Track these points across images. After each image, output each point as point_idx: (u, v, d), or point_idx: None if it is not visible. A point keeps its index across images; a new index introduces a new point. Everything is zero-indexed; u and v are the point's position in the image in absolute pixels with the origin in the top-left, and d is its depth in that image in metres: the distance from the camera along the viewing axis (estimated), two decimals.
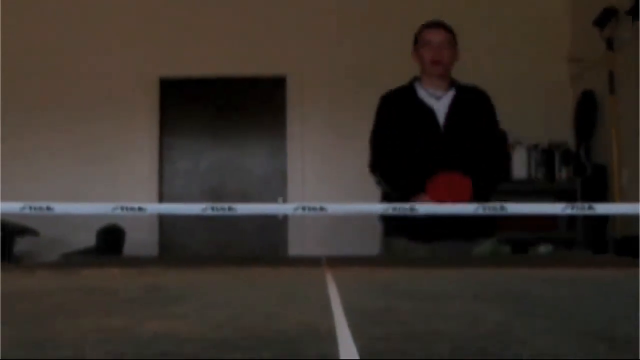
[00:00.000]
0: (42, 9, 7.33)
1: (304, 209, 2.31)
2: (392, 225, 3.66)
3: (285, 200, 7.08)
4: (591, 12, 6.24)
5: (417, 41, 3.74)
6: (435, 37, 3.67)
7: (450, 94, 3.69)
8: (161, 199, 7.19)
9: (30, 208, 2.19)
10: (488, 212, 2.38)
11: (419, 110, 3.63)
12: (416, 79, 3.76)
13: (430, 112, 3.62)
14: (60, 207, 2.25)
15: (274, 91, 7.30)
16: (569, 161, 6.73)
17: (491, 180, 3.61)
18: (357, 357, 0.87)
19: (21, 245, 6.45)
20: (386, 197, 3.64)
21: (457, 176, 3.43)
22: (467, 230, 3.52)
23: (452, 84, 3.74)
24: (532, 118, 7.00)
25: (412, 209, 2.39)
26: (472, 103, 3.72)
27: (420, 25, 3.79)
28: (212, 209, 2.26)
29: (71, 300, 1.61)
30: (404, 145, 3.59)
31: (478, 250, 3.63)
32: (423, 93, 3.69)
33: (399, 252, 3.63)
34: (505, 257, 3.95)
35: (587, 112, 6.59)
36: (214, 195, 7.17)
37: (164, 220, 7.15)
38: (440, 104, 3.65)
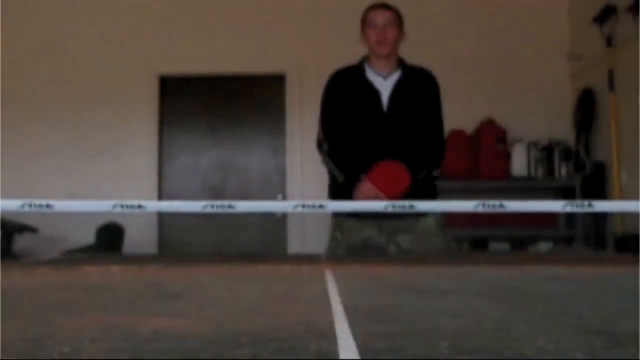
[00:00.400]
0: (42, 6, 7.33)
1: (303, 206, 2.31)
2: (334, 199, 3.74)
3: (284, 198, 7.08)
4: (591, 9, 6.24)
5: (363, 23, 3.79)
6: (380, 17, 3.71)
7: (396, 74, 3.74)
8: (161, 196, 7.19)
9: (30, 206, 2.19)
10: (487, 209, 2.38)
11: (364, 90, 3.70)
12: (365, 58, 3.81)
13: (375, 93, 3.69)
14: (60, 205, 2.25)
15: (274, 89, 7.30)
16: (569, 158, 6.73)
17: (424, 167, 3.66)
18: (357, 355, 0.86)
19: (20, 242, 6.46)
20: (332, 177, 3.77)
21: (397, 166, 3.52)
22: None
23: (400, 64, 3.79)
24: (532, 115, 7.00)
25: (411, 207, 2.39)
26: (418, 84, 3.76)
27: (366, 8, 3.82)
28: (212, 206, 2.26)
29: (70, 297, 1.61)
30: (349, 124, 3.68)
31: (424, 224, 3.71)
32: (370, 73, 3.74)
33: (350, 231, 3.74)
34: (504, 255, 4.01)
35: (586, 109, 6.59)
36: (214, 192, 7.17)
37: (163, 218, 7.15)
38: (385, 84, 3.71)
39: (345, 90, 3.74)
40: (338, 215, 3.79)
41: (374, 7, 3.76)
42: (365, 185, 3.51)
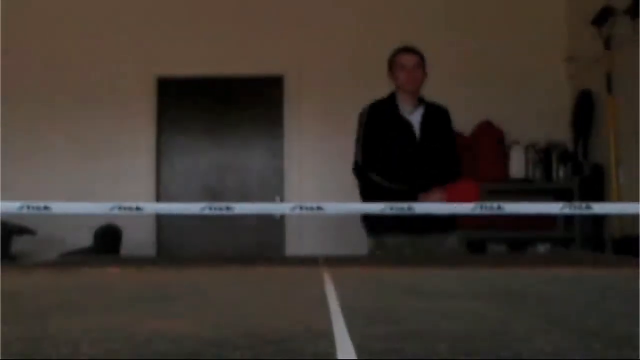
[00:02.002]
0: (41, 8, 7.32)
1: (301, 208, 2.31)
2: (379, 224, 4.15)
3: (282, 200, 7.08)
4: (589, 11, 6.24)
5: (392, 65, 4.26)
6: (409, 61, 4.21)
7: (420, 109, 4.24)
8: (159, 198, 7.18)
9: (28, 207, 2.19)
10: (486, 211, 2.38)
11: (399, 122, 4.20)
12: (393, 95, 4.27)
13: (408, 124, 4.19)
14: (58, 207, 2.25)
15: (272, 90, 7.29)
16: (567, 160, 6.72)
17: (451, 178, 4.19)
18: (354, 356, 0.86)
19: (19, 244, 6.45)
20: (365, 195, 4.23)
21: (471, 184, 4.15)
22: (441, 225, 4.11)
23: (420, 101, 4.27)
24: (530, 117, 6.99)
25: (409, 208, 2.39)
26: (438, 117, 4.29)
27: (394, 50, 4.32)
28: (210, 208, 2.26)
29: (69, 299, 1.61)
30: (389, 150, 4.16)
31: (451, 241, 4.27)
32: (402, 107, 4.23)
33: (392, 248, 4.16)
34: (504, 256, 4.17)
35: (584, 111, 6.59)
36: (212, 194, 7.16)
37: (161, 220, 7.14)
38: (413, 117, 4.21)
39: (383, 121, 4.20)
40: (377, 235, 4.18)
41: (404, 50, 4.26)
42: (435, 194, 4.02)
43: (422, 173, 4.11)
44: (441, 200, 4.01)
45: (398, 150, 4.16)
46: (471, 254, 6.37)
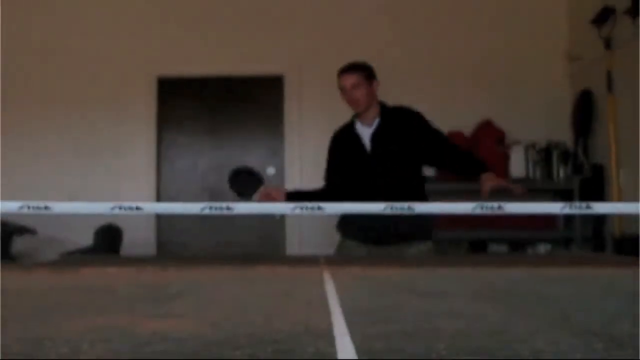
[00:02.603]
0: (41, 7, 7.32)
1: (301, 208, 2.31)
2: (346, 229, 4.16)
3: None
4: (589, 11, 6.24)
5: (339, 87, 4.10)
6: (347, 82, 4.03)
7: (377, 121, 4.07)
8: (159, 197, 7.18)
9: (29, 207, 2.19)
10: (486, 211, 2.38)
11: (353, 140, 4.11)
12: (355, 115, 4.15)
13: (359, 139, 4.09)
14: (58, 207, 2.25)
15: (272, 90, 7.29)
16: (567, 160, 6.72)
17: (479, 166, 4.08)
18: (355, 356, 0.86)
19: (19, 244, 6.45)
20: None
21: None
22: (404, 234, 3.96)
23: (381, 111, 4.11)
24: (530, 117, 7.00)
25: (409, 208, 2.39)
26: (398, 122, 4.06)
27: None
28: (210, 208, 2.25)
29: (69, 299, 1.61)
30: (344, 170, 4.12)
31: (410, 254, 4.00)
32: (359, 126, 4.12)
33: (347, 249, 4.13)
34: (503, 256, 4.09)
35: (585, 111, 6.59)
36: (212, 193, 7.16)
37: (161, 220, 7.15)
38: (365, 131, 4.08)
39: (341, 145, 4.19)
40: (344, 236, 4.16)
41: (341, 72, 4.07)
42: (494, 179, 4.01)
43: (375, 189, 3.93)
44: (500, 184, 3.96)
45: (351, 167, 4.09)
46: (472, 254, 6.38)
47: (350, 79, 4.02)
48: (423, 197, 4.09)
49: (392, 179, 3.97)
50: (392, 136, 4.02)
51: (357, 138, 4.08)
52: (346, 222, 4.13)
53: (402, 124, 4.05)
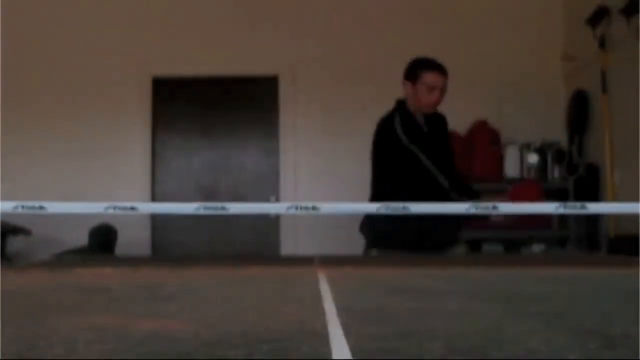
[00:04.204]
0: (38, 8, 7.31)
1: (296, 208, 2.31)
2: (376, 238, 4.00)
3: (278, 200, 7.08)
4: (584, 11, 6.25)
5: (417, 77, 3.98)
6: (439, 82, 3.94)
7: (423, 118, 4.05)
8: (154, 197, 7.17)
9: (23, 207, 2.19)
10: (480, 211, 2.38)
11: (421, 133, 3.99)
12: (403, 103, 4.05)
13: (423, 133, 4.00)
14: (53, 207, 2.25)
15: (267, 90, 7.29)
16: (562, 160, 6.73)
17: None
18: (349, 356, 0.86)
19: (14, 244, 6.44)
20: (377, 199, 3.88)
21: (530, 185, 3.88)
22: (441, 240, 3.97)
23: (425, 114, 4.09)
24: (525, 117, 7.00)
25: (404, 208, 2.39)
26: (440, 124, 4.14)
27: (421, 60, 4.05)
28: (205, 208, 2.25)
29: (64, 299, 1.61)
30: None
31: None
32: (420, 119, 4.03)
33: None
34: (498, 256, 4.14)
35: (579, 111, 6.60)
36: (207, 194, 7.16)
37: (156, 219, 7.14)
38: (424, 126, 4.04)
39: (416, 134, 3.97)
40: (373, 245, 4.04)
41: (435, 69, 3.98)
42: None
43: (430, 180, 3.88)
44: None
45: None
46: (466, 254, 6.38)
47: (442, 81, 3.97)
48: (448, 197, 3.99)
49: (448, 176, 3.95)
50: (438, 134, 4.08)
51: (423, 132, 4.01)
52: (376, 229, 3.95)
53: (443, 126, 4.16)
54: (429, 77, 3.94)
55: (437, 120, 4.11)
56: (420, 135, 3.97)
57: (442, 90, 3.96)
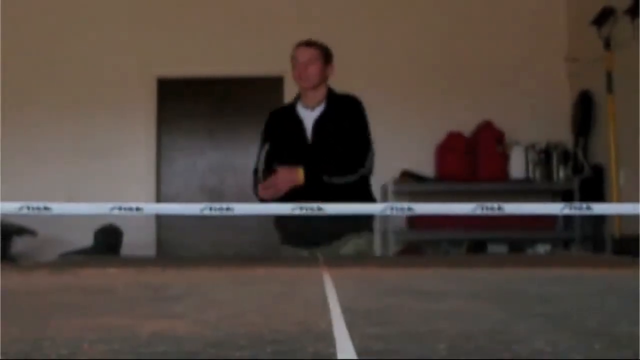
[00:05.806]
0: (40, 9, 7.33)
1: (301, 209, 2.31)
2: (281, 235, 4.12)
3: None
4: (589, 12, 6.24)
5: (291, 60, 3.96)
6: (302, 54, 3.90)
7: (322, 105, 3.89)
8: (159, 198, 7.18)
9: (28, 208, 2.19)
10: (486, 212, 2.38)
11: (293, 125, 3.89)
12: (298, 96, 4.01)
13: (300, 124, 3.88)
14: (58, 207, 2.25)
15: (272, 91, 7.29)
16: (567, 161, 6.72)
17: (332, 170, 3.73)
18: (355, 357, 0.86)
19: (19, 245, 6.45)
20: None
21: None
22: (336, 232, 3.83)
23: (328, 96, 3.93)
24: (530, 118, 7.00)
25: (409, 209, 2.39)
26: (342, 111, 3.87)
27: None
28: (210, 209, 2.25)
29: (69, 299, 1.61)
30: (279, 156, 3.84)
31: (343, 251, 3.89)
32: (300, 108, 3.93)
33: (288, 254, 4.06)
34: (503, 257, 4.06)
35: (584, 111, 6.60)
36: (212, 194, 7.17)
37: (161, 220, 7.15)
38: (312, 115, 3.88)
39: (278, 126, 3.98)
40: (283, 242, 4.12)
41: (298, 45, 3.96)
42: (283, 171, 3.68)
43: (316, 172, 3.68)
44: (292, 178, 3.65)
45: (288, 153, 3.83)
46: (471, 254, 6.38)
47: (307, 53, 3.91)
48: (365, 193, 3.88)
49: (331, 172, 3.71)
50: (335, 125, 3.81)
51: (298, 122, 3.88)
52: (280, 226, 4.06)
53: (345, 112, 3.86)
54: (294, 52, 3.96)
55: (344, 106, 3.89)
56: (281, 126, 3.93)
57: (311, 62, 3.88)
